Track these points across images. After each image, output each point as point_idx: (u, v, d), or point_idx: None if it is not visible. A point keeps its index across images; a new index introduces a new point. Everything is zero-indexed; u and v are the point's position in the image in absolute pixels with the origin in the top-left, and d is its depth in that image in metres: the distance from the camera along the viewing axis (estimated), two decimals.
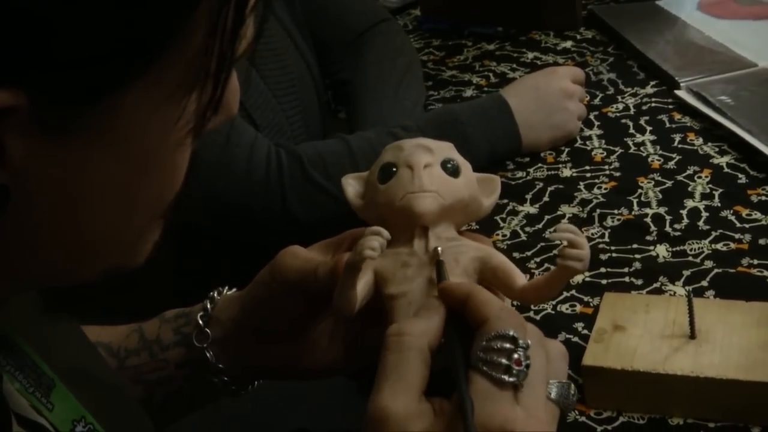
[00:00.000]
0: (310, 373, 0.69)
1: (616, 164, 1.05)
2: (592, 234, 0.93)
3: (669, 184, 0.99)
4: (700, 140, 1.06)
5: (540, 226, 0.97)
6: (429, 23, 1.55)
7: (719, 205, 0.94)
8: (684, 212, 0.94)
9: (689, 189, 0.98)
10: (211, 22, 0.38)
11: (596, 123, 1.15)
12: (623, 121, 1.14)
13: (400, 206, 0.59)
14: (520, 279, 0.59)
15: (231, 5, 0.38)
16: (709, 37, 1.29)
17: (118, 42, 0.35)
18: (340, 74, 1.32)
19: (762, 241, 0.87)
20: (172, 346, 0.68)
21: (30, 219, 0.39)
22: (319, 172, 1.04)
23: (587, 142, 1.11)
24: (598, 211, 0.97)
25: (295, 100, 1.21)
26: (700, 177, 1.00)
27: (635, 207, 0.97)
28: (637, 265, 0.88)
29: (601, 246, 0.91)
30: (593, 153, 1.09)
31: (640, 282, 0.85)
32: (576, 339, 0.80)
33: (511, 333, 0.50)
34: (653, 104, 1.17)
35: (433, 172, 0.60)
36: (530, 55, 1.38)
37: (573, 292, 0.85)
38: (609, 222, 0.95)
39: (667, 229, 0.92)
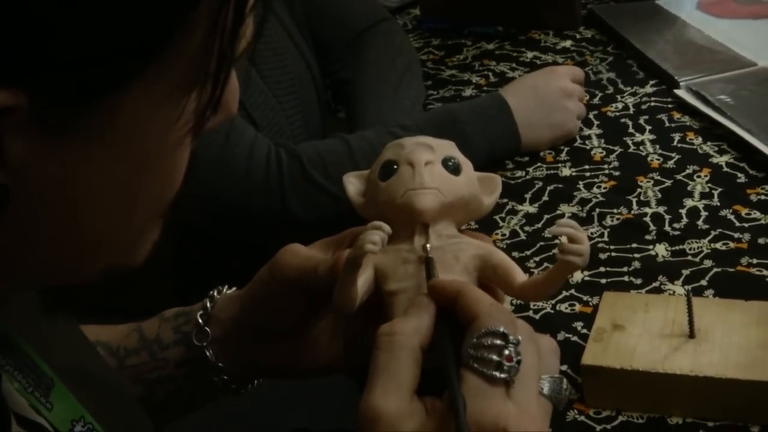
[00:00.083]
0: (310, 372, 0.69)
1: (616, 163, 1.05)
2: (592, 233, 0.93)
3: (668, 183, 0.99)
4: (700, 139, 1.06)
5: (539, 225, 0.97)
6: (428, 22, 1.55)
7: (718, 204, 0.94)
8: (683, 211, 0.94)
9: (688, 188, 0.98)
10: (211, 22, 0.38)
11: (596, 122, 1.15)
12: (623, 120, 1.14)
13: (401, 203, 0.59)
14: (520, 276, 0.59)
15: (230, 5, 0.38)
16: (708, 37, 1.29)
17: (118, 42, 0.35)
18: (340, 74, 1.32)
19: (761, 241, 0.87)
20: (171, 345, 0.68)
21: (30, 218, 0.39)
22: (319, 171, 1.04)
23: (586, 142, 1.11)
24: (598, 210, 0.97)
25: (295, 100, 1.21)
26: (699, 176, 1.00)
27: (634, 206, 0.97)
28: (637, 264, 0.88)
29: (600, 245, 0.91)
30: (592, 152, 1.09)
31: (639, 281, 0.85)
32: (575, 338, 0.80)
33: (502, 329, 0.50)
34: (653, 103, 1.17)
35: (434, 169, 0.60)
36: (530, 55, 1.38)
37: (572, 291, 0.85)
38: (608, 221, 0.95)
39: (667, 228, 0.92)
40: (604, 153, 1.08)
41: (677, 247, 0.89)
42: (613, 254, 0.90)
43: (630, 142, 1.09)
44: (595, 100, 1.20)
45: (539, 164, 1.09)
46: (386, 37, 1.32)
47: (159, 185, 0.43)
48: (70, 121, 0.37)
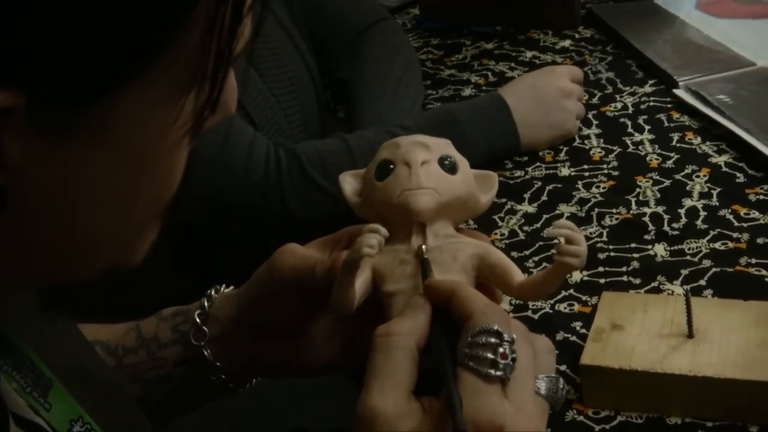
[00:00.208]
0: (308, 371, 0.69)
1: (615, 163, 1.05)
2: (591, 233, 0.93)
3: (667, 183, 1.00)
4: (699, 139, 1.06)
5: (538, 225, 0.97)
6: (428, 22, 1.55)
7: (717, 204, 0.94)
8: (682, 211, 0.94)
9: (687, 188, 0.98)
10: (209, 22, 0.38)
11: (595, 122, 1.15)
12: (622, 120, 1.14)
13: (398, 203, 0.59)
14: (518, 276, 0.59)
15: (228, 4, 0.38)
16: (707, 36, 1.29)
17: (116, 42, 0.35)
18: (339, 73, 1.32)
19: (760, 240, 0.87)
20: (169, 344, 0.68)
21: (28, 219, 0.39)
22: (318, 171, 1.04)
23: (586, 141, 1.11)
24: (597, 210, 0.97)
25: (294, 99, 1.21)
26: (698, 176, 1.00)
27: (633, 206, 0.97)
28: (636, 264, 0.88)
29: (599, 245, 0.91)
30: (592, 152, 1.09)
31: (638, 281, 0.85)
32: (574, 338, 0.80)
33: (496, 327, 0.50)
34: (652, 103, 1.17)
35: (431, 169, 0.60)
36: (529, 54, 1.38)
37: (571, 291, 0.85)
38: (607, 221, 0.95)
39: (666, 228, 0.92)
40: (603, 153, 1.08)
41: (676, 247, 0.89)
42: (612, 254, 0.90)
43: (629, 142, 1.09)
44: (594, 100, 1.20)
45: (538, 164, 1.09)
46: (385, 36, 1.32)
47: (157, 185, 0.43)
48: (68, 121, 0.36)
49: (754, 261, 0.85)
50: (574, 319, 0.82)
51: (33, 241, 0.40)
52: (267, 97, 1.15)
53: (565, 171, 1.06)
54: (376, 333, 0.52)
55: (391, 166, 0.61)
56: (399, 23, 1.50)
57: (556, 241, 0.57)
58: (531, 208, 1.00)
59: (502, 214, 1.00)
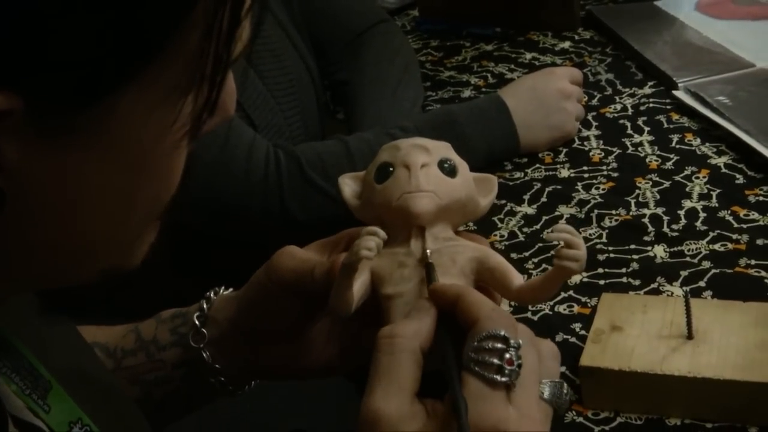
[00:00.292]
0: (307, 373, 0.69)
1: (614, 165, 1.05)
2: (590, 234, 0.93)
3: (667, 184, 0.99)
4: (698, 141, 1.07)
5: (538, 226, 0.97)
6: (427, 24, 1.55)
7: (717, 205, 0.94)
8: (682, 213, 0.94)
9: (687, 189, 0.98)
10: (207, 24, 0.38)
11: (594, 123, 1.15)
12: (621, 121, 1.14)
13: (397, 206, 0.59)
14: (517, 279, 0.59)
15: (227, 7, 0.38)
16: (707, 38, 1.29)
17: (114, 45, 0.35)
18: (339, 75, 1.32)
19: (759, 242, 0.87)
20: (168, 346, 0.68)
21: (27, 220, 0.39)
22: (318, 173, 1.04)
23: (585, 143, 1.11)
24: (596, 211, 0.97)
25: (294, 101, 1.21)
26: (697, 177, 1.00)
27: (633, 207, 0.97)
28: (635, 265, 0.88)
29: (598, 246, 0.91)
30: (591, 153, 1.09)
31: (637, 282, 0.85)
32: (573, 339, 0.80)
33: (502, 333, 0.50)
34: (651, 105, 1.17)
35: (430, 171, 0.60)
36: (528, 56, 1.38)
37: (571, 292, 0.85)
38: (607, 222, 0.95)
39: (665, 229, 0.92)
40: (603, 154, 1.08)
41: (675, 248, 0.89)
42: (612, 255, 0.90)
43: (628, 143, 1.09)
44: (594, 102, 1.20)
45: (538, 165, 1.09)
46: (385, 38, 1.32)
47: (156, 187, 0.43)
48: (67, 123, 0.36)
49: (753, 262, 0.85)
50: (574, 321, 0.82)
51: (32, 243, 0.40)
52: (267, 99, 1.15)
53: (564, 172, 1.06)
54: (380, 335, 0.52)
55: (391, 169, 0.61)
56: (398, 25, 1.50)
57: (555, 243, 0.57)
58: (530, 210, 1.00)
59: (501, 216, 1.00)
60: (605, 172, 1.04)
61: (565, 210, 0.99)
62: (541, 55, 1.38)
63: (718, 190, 0.96)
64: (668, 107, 1.15)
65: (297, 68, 1.24)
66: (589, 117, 1.16)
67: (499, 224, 0.99)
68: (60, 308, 0.51)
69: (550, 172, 1.07)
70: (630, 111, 1.16)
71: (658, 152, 1.06)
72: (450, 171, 0.61)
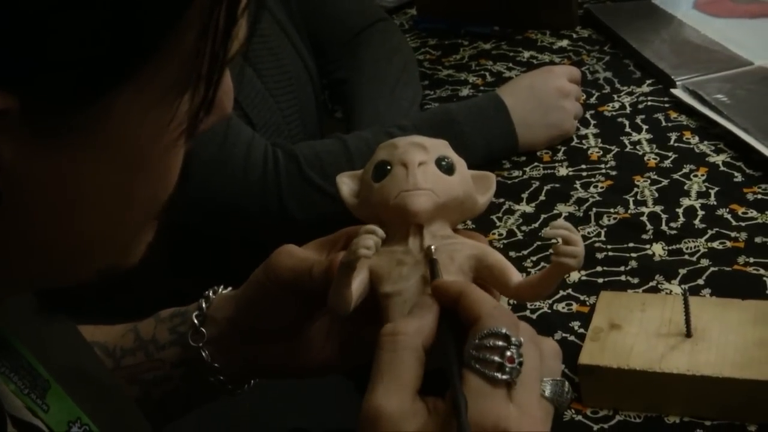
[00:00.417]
0: (306, 372, 0.69)
1: (612, 163, 1.05)
2: (589, 233, 0.93)
3: (665, 182, 1.00)
4: (696, 139, 1.07)
5: (536, 225, 0.97)
6: (425, 22, 1.55)
7: (715, 203, 0.94)
8: (680, 211, 0.94)
9: (685, 187, 0.98)
10: (203, 23, 0.38)
11: (592, 122, 1.15)
12: (619, 119, 1.14)
13: (395, 204, 0.59)
14: (516, 277, 0.59)
15: (223, 6, 0.38)
16: (704, 36, 1.29)
17: (109, 44, 0.35)
18: (337, 73, 1.32)
19: (758, 240, 0.87)
20: (167, 345, 0.68)
21: (24, 220, 0.39)
22: (316, 171, 1.04)
23: (583, 141, 1.11)
24: (595, 209, 0.97)
25: (293, 99, 1.21)
26: (696, 175, 1.00)
27: (631, 206, 0.97)
28: (633, 263, 0.88)
29: (597, 245, 0.91)
30: (589, 152, 1.09)
31: (636, 280, 0.85)
32: (572, 338, 0.80)
33: (504, 330, 0.50)
34: (649, 103, 1.17)
35: (428, 169, 0.60)
36: (526, 54, 1.38)
37: (569, 290, 0.85)
38: (605, 221, 0.95)
39: (663, 227, 0.92)
40: (601, 152, 1.08)
41: (674, 247, 0.89)
42: (610, 254, 0.90)
43: (627, 142, 1.09)
44: (592, 100, 1.20)
45: (536, 164, 1.09)
46: (383, 36, 1.32)
47: (153, 187, 0.43)
48: (62, 124, 0.36)
49: (752, 260, 0.85)
50: (573, 319, 0.82)
51: (29, 242, 0.40)
52: (265, 98, 1.15)
53: (562, 171, 1.06)
54: (382, 332, 0.52)
55: (389, 167, 0.61)
56: (397, 23, 1.50)
57: (553, 241, 0.57)
58: (529, 208, 1.00)
59: (500, 214, 1.00)
60: (604, 171, 1.04)
61: (563, 208, 0.99)
62: (540, 53, 1.38)
63: (717, 188, 0.96)
64: (666, 105, 1.15)
65: (295, 67, 1.24)
66: (588, 115, 1.16)
67: (498, 223, 0.99)
68: (58, 308, 0.51)
69: (549, 171, 1.07)
70: (628, 109, 1.16)
71: (657, 150, 1.06)
72: (448, 169, 0.61)
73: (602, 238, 0.92)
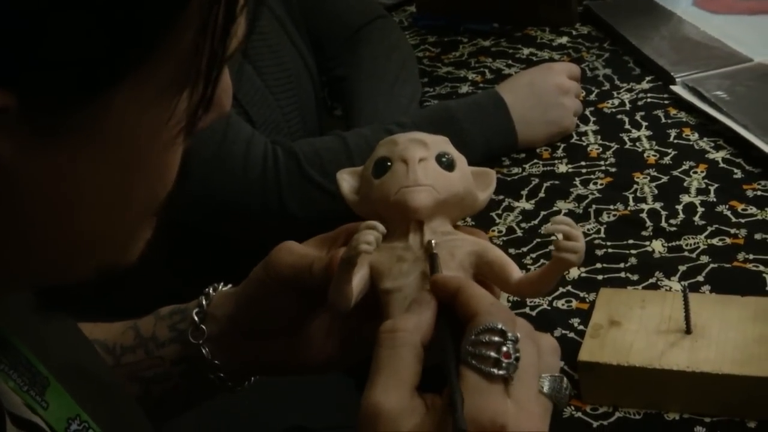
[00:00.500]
0: (306, 369, 0.69)
1: (612, 160, 1.05)
2: (588, 229, 0.93)
3: (665, 179, 1.00)
4: (696, 135, 1.07)
5: (536, 222, 0.97)
6: (424, 20, 1.55)
7: (715, 200, 0.94)
8: (680, 207, 0.94)
9: (685, 184, 0.98)
10: (202, 21, 0.37)
11: (592, 119, 1.15)
12: (619, 116, 1.14)
13: (395, 201, 0.59)
14: (516, 273, 0.59)
15: (221, 3, 0.38)
16: (704, 33, 1.29)
17: (107, 43, 0.35)
18: (336, 71, 1.31)
19: (758, 236, 0.87)
20: (167, 342, 0.68)
21: (22, 218, 0.38)
22: (316, 169, 1.04)
23: (583, 138, 1.11)
24: (594, 206, 0.97)
25: (293, 97, 1.21)
26: (695, 172, 1.00)
27: (631, 202, 0.97)
28: (633, 260, 0.88)
29: (596, 241, 0.91)
30: (589, 149, 1.09)
31: (635, 277, 0.85)
32: (572, 334, 0.80)
33: (500, 326, 0.50)
34: (649, 100, 1.17)
35: (428, 166, 0.60)
36: (526, 52, 1.38)
37: (569, 287, 0.85)
38: (605, 217, 0.95)
39: (663, 224, 0.92)
40: (601, 149, 1.08)
41: (674, 243, 0.89)
42: (610, 250, 0.90)
43: (626, 139, 1.09)
44: (592, 97, 1.20)
45: (536, 161, 1.09)
46: (382, 34, 1.32)
47: (151, 184, 0.42)
48: (61, 121, 0.36)
49: (751, 257, 0.85)
50: (572, 316, 0.82)
51: (28, 240, 0.40)
52: (265, 95, 1.15)
53: (562, 168, 1.06)
54: (381, 329, 0.52)
55: (389, 164, 0.61)
56: (396, 21, 1.50)
57: (553, 237, 0.57)
58: (528, 205, 1.00)
59: (499, 211, 1.00)
60: (603, 167, 1.04)
61: (563, 205, 0.99)
62: (539, 50, 1.38)
63: (716, 185, 0.96)
64: (666, 102, 1.15)
65: (295, 64, 1.23)
66: (587, 112, 1.16)
67: (497, 220, 0.98)
68: (58, 306, 0.51)
69: (548, 168, 1.07)
70: (628, 106, 1.16)
71: (656, 147, 1.06)
72: (448, 165, 0.61)
73: (602, 234, 0.92)
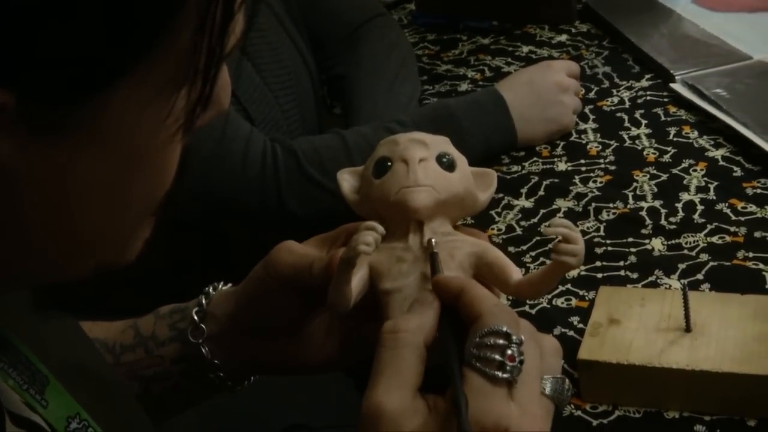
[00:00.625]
0: (306, 369, 0.69)
1: (612, 158, 1.05)
2: (588, 228, 0.93)
3: (664, 177, 0.99)
4: (695, 133, 1.06)
5: (535, 220, 0.97)
6: (424, 17, 1.55)
7: (714, 198, 0.94)
8: (679, 205, 0.94)
9: (684, 182, 0.98)
10: (200, 19, 0.37)
11: (591, 116, 1.15)
12: (618, 114, 1.14)
13: (395, 201, 0.59)
14: (516, 274, 0.59)
15: (219, 1, 0.38)
16: (703, 30, 1.29)
17: (105, 41, 0.35)
18: (336, 69, 1.31)
19: (757, 234, 0.87)
20: (167, 341, 0.68)
21: (21, 217, 0.38)
22: (315, 167, 1.04)
23: (582, 136, 1.11)
24: (594, 204, 0.97)
25: (292, 94, 1.21)
26: (695, 170, 1.00)
27: (630, 200, 0.97)
28: (633, 258, 0.88)
29: (596, 240, 0.91)
30: (588, 147, 1.09)
31: (635, 275, 0.85)
32: (571, 333, 0.80)
33: (504, 329, 0.50)
34: (648, 97, 1.17)
35: (429, 166, 0.60)
36: (525, 49, 1.38)
37: (568, 286, 0.85)
38: (604, 216, 0.95)
39: (663, 222, 0.92)
40: (600, 147, 1.08)
41: (673, 241, 0.89)
42: (609, 249, 0.90)
43: (626, 136, 1.09)
44: (591, 95, 1.20)
45: (535, 159, 1.09)
46: (381, 32, 1.32)
47: (150, 183, 0.42)
48: (59, 120, 0.36)
49: (751, 255, 0.85)
50: (572, 314, 0.82)
51: (26, 239, 0.40)
52: (264, 93, 1.15)
53: (561, 166, 1.06)
54: (383, 329, 0.52)
55: (389, 164, 0.61)
56: (395, 19, 1.50)
57: (553, 237, 0.57)
58: (528, 203, 1.00)
59: (499, 210, 1.00)
60: (603, 165, 1.04)
61: (562, 203, 0.99)
62: (538, 48, 1.37)
63: (716, 183, 0.96)
64: (665, 100, 1.15)
65: (294, 62, 1.23)
66: (587, 110, 1.16)
67: (497, 218, 0.98)
68: (56, 304, 0.51)
69: (548, 166, 1.07)
70: (627, 104, 1.16)
71: (656, 145, 1.06)
72: (448, 165, 0.60)
73: (601, 233, 0.92)
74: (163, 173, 0.43)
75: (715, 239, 0.88)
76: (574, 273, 0.87)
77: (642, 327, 0.72)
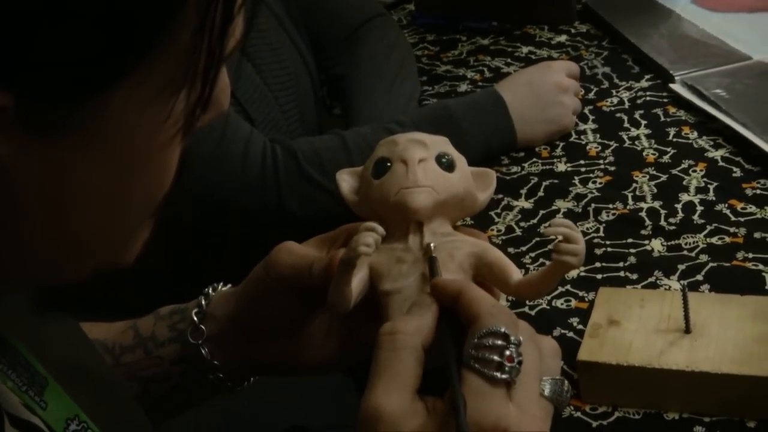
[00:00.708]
0: (306, 370, 0.69)
1: (611, 158, 1.05)
2: (587, 228, 0.93)
3: (664, 178, 0.99)
4: (695, 134, 1.06)
5: (535, 221, 0.97)
6: (423, 18, 1.55)
7: (714, 198, 0.94)
8: (679, 206, 0.94)
9: (684, 183, 0.98)
10: (199, 20, 0.37)
11: (591, 117, 1.15)
12: (618, 115, 1.14)
13: (395, 201, 0.59)
14: (516, 274, 0.59)
15: (219, 3, 0.38)
16: (703, 31, 1.29)
17: (104, 42, 0.35)
18: (335, 69, 1.31)
19: (757, 235, 0.87)
20: (167, 342, 0.68)
21: (20, 218, 0.38)
22: (315, 168, 1.04)
23: (582, 137, 1.11)
24: (593, 205, 0.97)
25: (292, 95, 1.21)
26: (695, 171, 1.00)
27: (630, 201, 0.97)
28: (632, 259, 0.88)
29: (595, 240, 0.91)
30: (588, 147, 1.09)
31: (635, 276, 0.85)
32: (571, 334, 0.80)
33: (503, 330, 0.50)
34: (648, 98, 1.17)
35: (428, 166, 0.60)
36: (525, 50, 1.38)
37: (568, 287, 0.85)
38: (604, 216, 0.95)
39: (662, 223, 0.92)
40: (600, 148, 1.08)
41: (673, 242, 0.89)
42: (609, 249, 0.90)
43: (625, 137, 1.09)
44: (591, 95, 1.20)
45: (534, 159, 1.09)
46: (381, 32, 1.32)
47: (149, 184, 0.42)
48: (58, 121, 0.36)
49: (751, 255, 0.85)
50: (571, 315, 0.82)
51: (25, 240, 0.40)
52: (264, 93, 1.15)
53: (561, 166, 1.06)
54: (381, 331, 0.52)
55: (389, 164, 0.61)
56: (395, 19, 1.50)
57: (553, 237, 0.57)
58: (527, 204, 1.00)
59: (498, 210, 1.00)
60: (602, 166, 1.04)
61: (562, 204, 0.99)
62: (538, 48, 1.37)
63: (716, 184, 0.96)
64: (665, 100, 1.15)
65: (294, 62, 1.23)
66: (586, 111, 1.16)
67: (496, 219, 0.98)
68: (56, 306, 0.51)
69: (547, 166, 1.07)
70: (627, 104, 1.16)
71: (655, 146, 1.06)
72: (448, 166, 0.60)
73: (601, 233, 0.92)
74: (163, 175, 0.43)
75: (714, 240, 0.88)
76: (573, 274, 0.87)
77: (641, 328, 0.72)
